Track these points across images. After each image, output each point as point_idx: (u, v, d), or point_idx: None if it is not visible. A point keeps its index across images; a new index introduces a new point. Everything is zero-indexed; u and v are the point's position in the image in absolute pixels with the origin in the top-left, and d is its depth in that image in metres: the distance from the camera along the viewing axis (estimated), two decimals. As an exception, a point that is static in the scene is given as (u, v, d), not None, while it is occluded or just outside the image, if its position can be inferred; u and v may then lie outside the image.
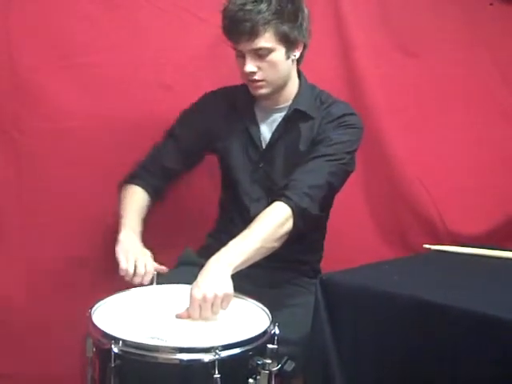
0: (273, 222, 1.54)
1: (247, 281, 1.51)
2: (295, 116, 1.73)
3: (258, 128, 1.77)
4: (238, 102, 1.78)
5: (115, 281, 1.87)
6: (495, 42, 2.33)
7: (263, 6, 1.56)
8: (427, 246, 1.88)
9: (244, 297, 1.51)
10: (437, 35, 2.28)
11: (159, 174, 1.79)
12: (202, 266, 1.46)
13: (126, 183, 1.78)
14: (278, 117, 1.75)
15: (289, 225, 1.56)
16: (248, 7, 1.55)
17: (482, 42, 2.32)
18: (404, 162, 2.27)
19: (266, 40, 1.58)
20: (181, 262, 1.82)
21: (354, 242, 2.25)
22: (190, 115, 1.82)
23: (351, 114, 1.73)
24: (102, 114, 1.95)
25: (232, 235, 1.51)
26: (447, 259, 1.78)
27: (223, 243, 1.50)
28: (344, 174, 1.71)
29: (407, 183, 2.27)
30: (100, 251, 1.94)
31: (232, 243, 1.48)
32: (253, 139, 1.75)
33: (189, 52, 2.01)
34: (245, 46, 1.59)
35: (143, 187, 1.76)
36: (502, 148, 2.38)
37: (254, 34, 1.56)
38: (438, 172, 2.31)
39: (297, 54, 1.68)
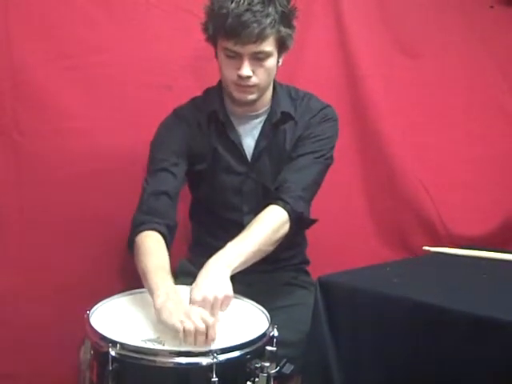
0: (270, 226, 1.53)
1: (243, 284, 1.50)
2: (281, 119, 1.68)
3: (241, 138, 1.69)
4: (216, 113, 1.67)
5: (115, 282, 1.88)
6: (495, 43, 2.34)
7: (271, 9, 1.49)
8: (427, 247, 1.88)
9: (243, 298, 1.51)
10: (437, 36, 2.29)
11: (164, 206, 1.60)
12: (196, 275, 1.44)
13: (136, 233, 1.55)
14: (256, 123, 1.70)
15: (285, 229, 1.56)
16: (257, 8, 1.47)
17: (483, 44, 2.33)
18: (404, 163, 2.27)
19: (269, 44, 1.52)
20: (178, 273, 1.75)
21: (353, 244, 2.25)
22: (164, 139, 1.68)
23: (328, 106, 1.73)
24: (102, 114, 1.94)
25: (218, 249, 1.47)
26: (447, 261, 1.78)
27: (210, 256, 1.45)
28: (327, 170, 1.71)
29: (407, 184, 2.27)
30: (100, 251, 1.94)
31: (230, 245, 1.48)
32: (239, 150, 1.68)
33: (190, 52, 2.01)
34: (248, 49, 1.51)
35: (156, 230, 1.55)
36: (503, 149, 2.38)
37: (261, 36, 1.49)
38: (439, 173, 2.31)
39: (281, 59, 1.62)
